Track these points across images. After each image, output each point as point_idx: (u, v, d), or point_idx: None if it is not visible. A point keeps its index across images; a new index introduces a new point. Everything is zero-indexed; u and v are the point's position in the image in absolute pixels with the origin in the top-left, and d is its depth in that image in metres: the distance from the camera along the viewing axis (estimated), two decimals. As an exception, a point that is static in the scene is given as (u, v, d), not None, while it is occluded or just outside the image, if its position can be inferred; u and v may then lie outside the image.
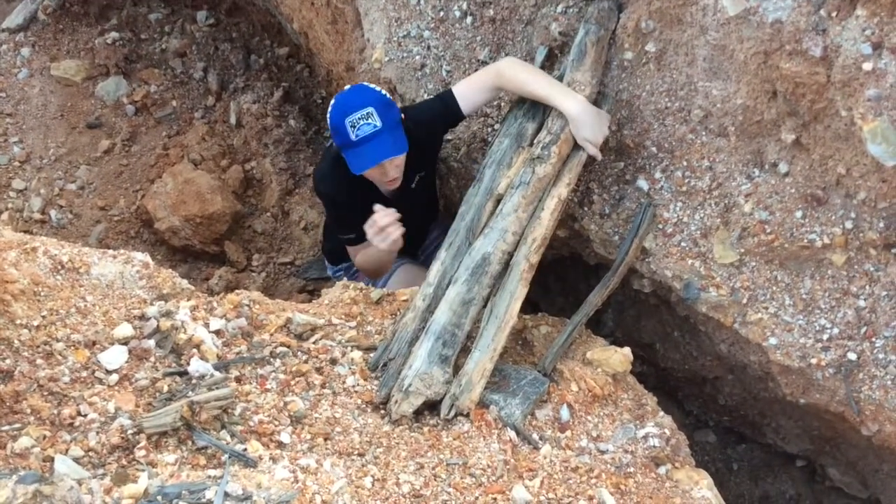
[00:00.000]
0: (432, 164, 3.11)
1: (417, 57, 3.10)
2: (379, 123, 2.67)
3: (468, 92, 2.79)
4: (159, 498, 1.69)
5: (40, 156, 4.09)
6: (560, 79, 2.71)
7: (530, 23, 2.89)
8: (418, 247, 3.29)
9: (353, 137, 2.68)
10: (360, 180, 2.83)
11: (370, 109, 2.67)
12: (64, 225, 3.96)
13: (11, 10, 4.44)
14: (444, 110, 2.82)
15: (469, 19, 3.00)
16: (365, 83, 2.84)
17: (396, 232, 2.67)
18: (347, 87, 2.83)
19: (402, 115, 2.77)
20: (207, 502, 1.70)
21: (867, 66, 2.05)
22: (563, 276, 3.64)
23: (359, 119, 2.66)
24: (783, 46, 2.21)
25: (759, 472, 3.51)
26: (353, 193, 2.88)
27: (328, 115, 2.77)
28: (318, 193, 3.11)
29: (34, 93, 4.22)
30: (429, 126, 2.85)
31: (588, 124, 2.58)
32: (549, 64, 2.84)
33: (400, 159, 2.77)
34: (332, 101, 2.77)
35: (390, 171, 2.76)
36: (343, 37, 3.49)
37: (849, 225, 2.38)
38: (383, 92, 2.79)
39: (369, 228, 2.70)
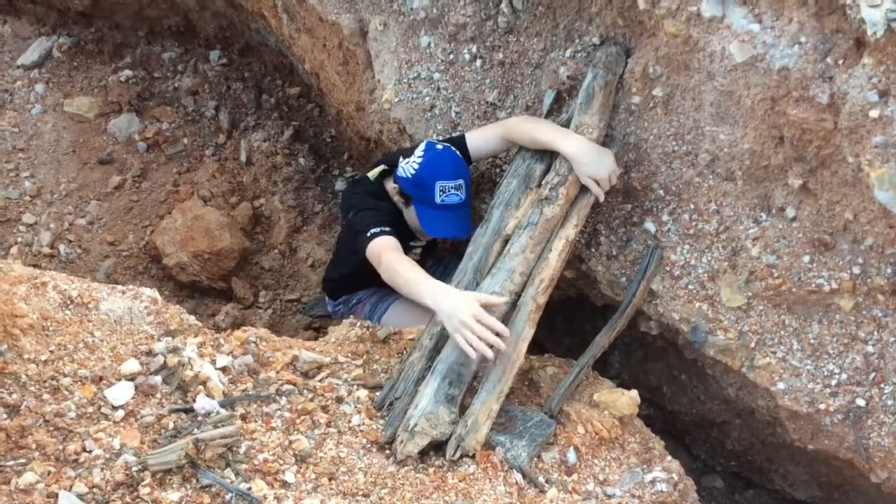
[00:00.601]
0: None
1: (427, 98, 3.13)
2: (464, 197, 2.83)
3: (478, 140, 2.89)
4: (163, 537, 1.68)
5: (51, 191, 4.12)
6: (568, 121, 2.74)
7: (539, 66, 2.93)
8: None
9: (437, 200, 2.80)
10: (392, 209, 2.95)
11: (461, 182, 2.83)
12: (72, 259, 3.97)
13: (27, 47, 4.50)
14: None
15: (479, 62, 3.04)
16: (451, 148, 2.85)
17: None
18: (439, 145, 2.83)
19: None
20: (212, 542, 1.68)
21: (874, 113, 2.07)
22: (570, 317, 3.64)
23: (451, 187, 2.80)
24: (790, 93, 2.23)
25: (766, 519, 3.47)
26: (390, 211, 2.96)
27: (417, 166, 2.80)
28: (354, 192, 3.04)
29: (47, 128, 4.27)
30: None
31: (588, 162, 2.61)
32: (558, 107, 2.87)
33: None
34: (424, 154, 2.81)
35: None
36: (354, 77, 3.54)
37: (856, 270, 2.38)
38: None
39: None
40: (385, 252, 2.64)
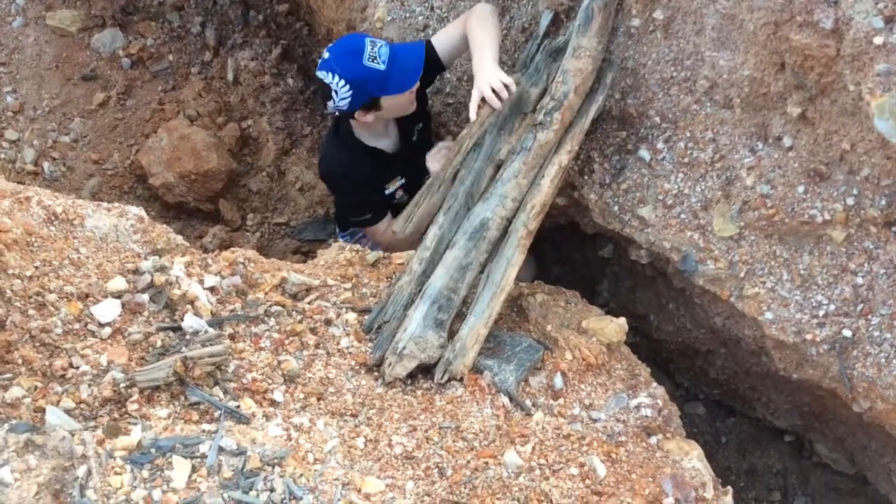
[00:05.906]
0: (427, 118, 3.08)
1: (420, 17, 3.05)
2: (386, 44, 2.69)
3: (444, 43, 2.79)
4: (153, 450, 1.68)
5: (34, 106, 4.03)
6: (565, 44, 2.67)
7: (537, -14, 2.84)
8: None
9: (382, 67, 2.65)
10: (364, 150, 2.87)
11: (369, 39, 2.69)
12: (57, 177, 3.91)
13: (6, -44, 4.34)
14: (427, 58, 2.77)
15: (474, -20, 2.95)
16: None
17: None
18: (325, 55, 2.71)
19: None
20: (202, 455, 1.69)
21: (878, 40, 2.02)
22: (559, 245, 3.63)
23: (371, 52, 2.65)
24: (794, 17, 2.18)
25: (746, 446, 3.54)
26: (364, 163, 2.88)
27: (343, 84, 2.65)
28: (332, 177, 3.02)
29: (29, 42, 4.14)
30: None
31: (486, 70, 2.56)
32: (555, 29, 2.80)
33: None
34: (338, 74, 2.65)
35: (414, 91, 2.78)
36: (345, -6, 3.44)
37: (850, 202, 2.37)
38: None
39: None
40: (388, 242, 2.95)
